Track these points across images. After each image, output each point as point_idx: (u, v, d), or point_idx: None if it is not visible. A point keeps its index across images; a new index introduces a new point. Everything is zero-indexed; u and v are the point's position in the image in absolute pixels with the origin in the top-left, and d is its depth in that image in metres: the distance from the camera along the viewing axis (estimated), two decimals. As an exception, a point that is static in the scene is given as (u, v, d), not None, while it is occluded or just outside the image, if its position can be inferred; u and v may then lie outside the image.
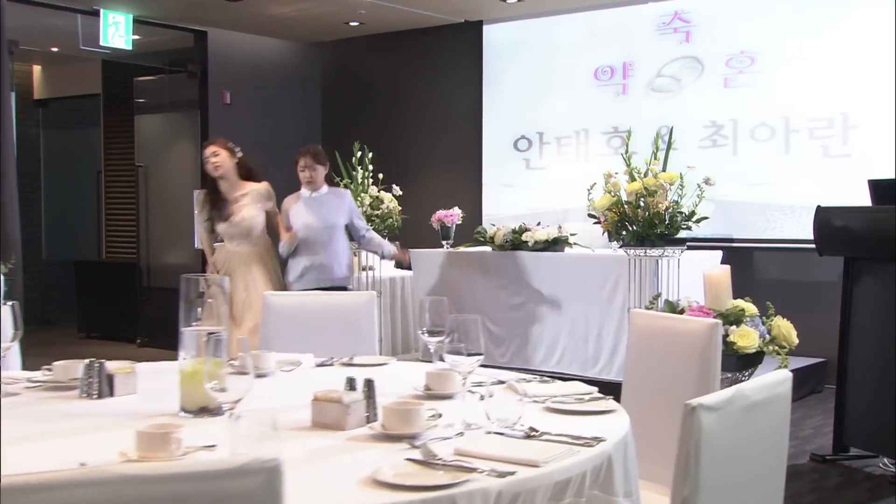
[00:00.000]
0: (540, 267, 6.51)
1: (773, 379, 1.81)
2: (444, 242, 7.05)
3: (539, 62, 8.58)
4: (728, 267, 3.33)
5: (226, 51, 9.02)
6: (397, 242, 6.35)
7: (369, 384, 2.22)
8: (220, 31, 8.97)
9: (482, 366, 2.34)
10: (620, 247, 5.71)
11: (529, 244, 6.52)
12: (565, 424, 2.19)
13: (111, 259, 10.08)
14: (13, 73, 7.86)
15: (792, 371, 6.36)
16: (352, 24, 8.97)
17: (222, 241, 5.73)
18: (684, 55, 7.89)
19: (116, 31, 8.05)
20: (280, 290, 5.49)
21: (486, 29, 8.85)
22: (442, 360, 2.69)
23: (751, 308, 3.25)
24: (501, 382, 2.71)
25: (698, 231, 7.13)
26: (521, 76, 8.68)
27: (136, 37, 8.80)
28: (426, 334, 2.70)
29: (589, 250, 6.43)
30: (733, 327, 3.18)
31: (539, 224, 6.68)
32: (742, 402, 1.66)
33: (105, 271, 9.85)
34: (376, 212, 6.76)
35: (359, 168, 6.82)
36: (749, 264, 7.51)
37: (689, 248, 7.00)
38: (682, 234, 5.62)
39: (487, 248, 6.76)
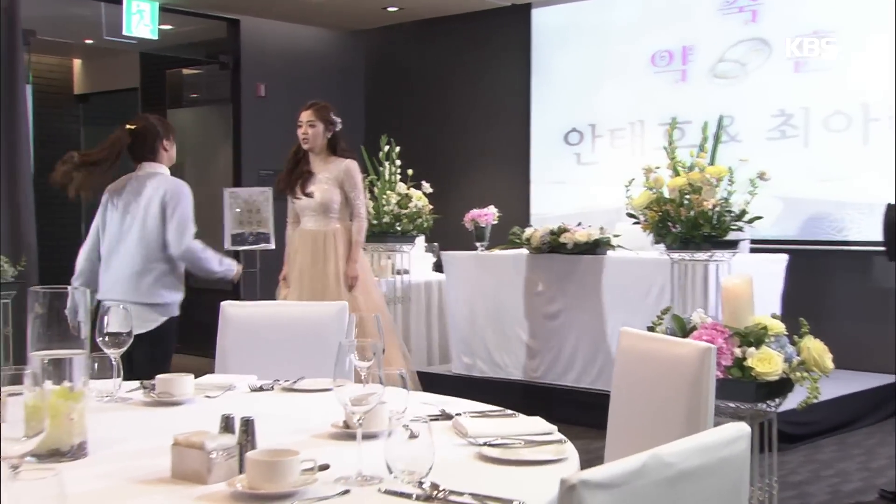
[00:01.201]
0: (579, 272, 6.07)
1: (717, 437, 1.38)
2: (477, 244, 6.66)
3: (591, 48, 8.12)
4: (750, 276, 2.87)
5: (260, 40, 8.77)
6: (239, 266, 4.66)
7: (247, 424, 1.85)
8: (253, 19, 8.73)
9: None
10: (667, 249, 5.24)
11: (568, 246, 6.08)
12: (490, 478, 1.81)
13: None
14: (31, 65, 7.73)
15: (868, 392, 5.80)
16: (390, 9, 8.64)
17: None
18: (750, 37, 7.34)
19: (141, 20, 7.86)
20: (361, 276, 5.28)
21: (534, 13, 8.42)
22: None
23: (776, 325, 2.78)
24: (448, 417, 2.32)
25: (762, 232, 6.62)
26: (572, 63, 8.23)
27: (168, 27, 8.64)
28: (355, 357, 2.32)
29: (633, 253, 5.97)
30: (752, 349, 2.72)
31: (580, 224, 6.23)
32: (660, 472, 1.24)
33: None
34: (404, 210, 6.41)
35: (386, 163, 6.48)
36: (820, 270, 6.93)
37: (753, 250, 6.50)
38: (735, 235, 5.14)
39: (523, 251, 6.34)
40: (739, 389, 2.73)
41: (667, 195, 5.04)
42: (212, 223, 8.70)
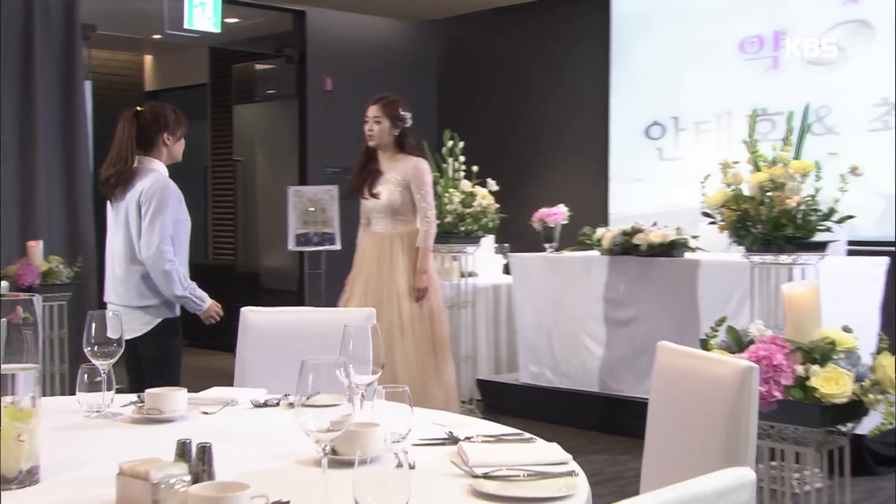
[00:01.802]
0: (653, 275, 5.80)
1: (710, 487, 1.15)
2: (546, 245, 6.43)
3: (674, 35, 7.81)
4: (816, 283, 2.61)
5: (326, 32, 8.69)
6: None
7: (203, 451, 1.69)
8: (319, 10, 8.66)
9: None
10: (747, 251, 4.94)
11: (642, 248, 5.82)
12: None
13: (216, 261, 9.98)
14: (91, 61, 7.78)
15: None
16: (462, -3, 8.48)
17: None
18: (850, 18, 6.94)
19: (203, 13, 7.85)
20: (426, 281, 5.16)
21: (614, -1, 8.17)
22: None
23: (847, 340, 2.51)
24: (455, 441, 2.13)
25: (862, 233, 6.24)
26: (654, 52, 7.93)
27: (234, 20, 8.64)
28: (351, 372, 2.15)
29: (713, 256, 5.67)
30: (816, 367, 2.46)
31: (654, 224, 5.96)
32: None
33: (207, 275, 9.73)
34: (468, 210, 6.22)
35: (449, 160, 6.30)
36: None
37: (850, 253, 6.12)
38: (825, 236, 4.81)
39: (594, 253, 6.09)
40: (802, 413, 2.47)
41: (746, 192, 4.75)
42: (276, 223, 8.68)
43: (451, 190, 6.20)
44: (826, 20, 7.05)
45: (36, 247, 6.53)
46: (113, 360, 2.42)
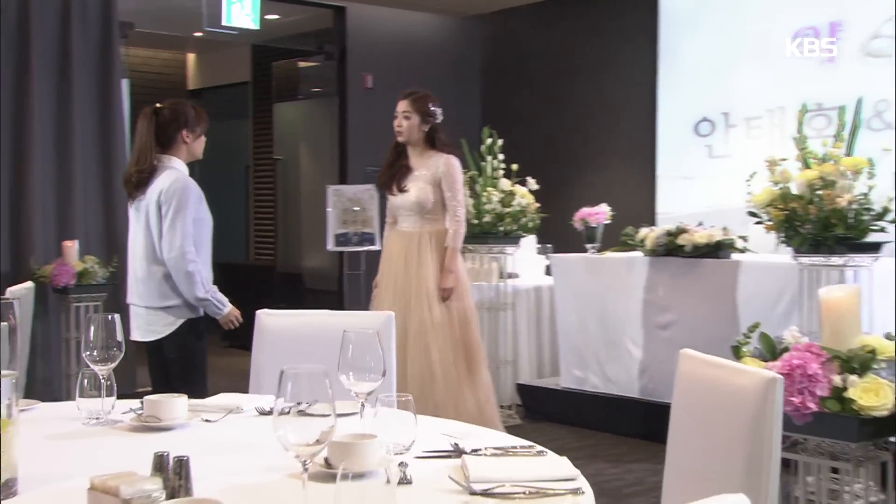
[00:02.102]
0: (698, 277, 5.65)
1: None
2: (588, 246, 6.31)
3: (725, 27, 7.62)
4: (857, 286, 2.48)
5: (367, 28, 8.64)
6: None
7: (180, 465, 1.62)
8: (360, 6, 8.61)
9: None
10: (795, 252, 4.78)
11: (686, 249, 5.67)
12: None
13: (256, 262, 9.99)
14: (128, 59, 7.81)
15: None
16: (506, -8, 8.38)
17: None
18: (910, 9, 6.73)
19: (242, 10, 7.84)
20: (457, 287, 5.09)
21: (662, -9, 8.01)
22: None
23: (888, 348, 2.38)
24: (460, 453, 2.05)
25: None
26: (704, 45, 7.75)
27: (275, 16, 8.63)
28: (350, 380, 2.07)
29: (762, 257, 5.51)
30: (854, 377, 2.33)
31: (700, 224, 5.81)
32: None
33: (248, 275, 9.76)
34: (507, 209, 6.13)
35: (488, 158, 6.21)
36: None
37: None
38: (880, 237, 4.64)
39: (637, 254, 5.96)
40: (839, 426, 2.34)
41: (794, 191, 4.60)
42: (316, 223, 8.66)
43: (489, 189, 6.11)
44: (885, 10, 6.82)
45: (71, 247, 6.56)
46: (113, 365, 2.37)
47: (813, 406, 2.34)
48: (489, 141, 6.21)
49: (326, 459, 1.92)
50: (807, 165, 4.62)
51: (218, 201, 10.70)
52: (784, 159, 4.67)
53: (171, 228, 3.92)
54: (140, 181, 4.01)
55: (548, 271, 7.22)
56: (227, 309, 4.03)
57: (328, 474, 1.88)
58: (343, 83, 8.58)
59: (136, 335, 4.14)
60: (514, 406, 6.52)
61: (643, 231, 5.95)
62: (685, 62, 7.88)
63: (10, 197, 6.77)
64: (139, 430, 2.30)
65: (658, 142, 8.04)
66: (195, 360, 4.09)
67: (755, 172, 4.70)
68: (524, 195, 6.17)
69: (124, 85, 7.45)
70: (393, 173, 5.20)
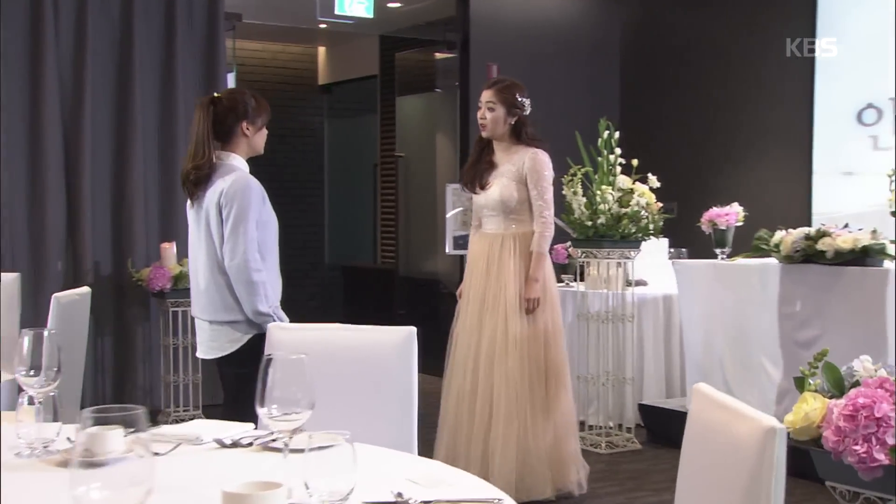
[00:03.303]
0: (842, 288, 5.11)
1: None
2: (717, 251, 5.85)
3: (893, 3, 6.98)
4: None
5: (492, 15, 8.36)
6: None
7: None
8: (485, -10, 8.36)
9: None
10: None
11: (828, 255, 5.14)
12: None
13: (382, 265, 9.89)
14: (234, 52, 7.80)
15: None
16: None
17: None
18: None
19: (355, -2, 7.74)
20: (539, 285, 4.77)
21: (821, -39, 7.41)
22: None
23: None
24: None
25: None
26: (869, 22, 7.12)
27: (396, 5, 8.50)
28: (273, 413, 1.82)
29: (917, 265, 4.95)
30: (935, 425, 1.91)
31: (846, 227, 5.27)
32: None
33: (372, 279, 9.67)
34: (624, 209, 5.75)
35: (605, 152, 5.84)
36: None
37: None
38: None
39: (772, 261, 5.47)
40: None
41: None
42: (433, 224, 8.46)
43: (603, 187, 5.74)
44: None
45: (169, 249, 6.57)
46: (51, 388, 2.20)
47: (883, 458, 1.94)
48: (606, 134, 5.84)
49: None
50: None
51: (345, 201, 10.80)
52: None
53: (233, 233, 3.72)
54: (199, 179, 3.84)
55: (681, 279, 6.79)
56: None
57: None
58: (466, 74, 8.34)
59: (200, 352, 3.98)
60: (636, 428, 6.14)
61: (779, 234, 5.45)
62: (848, 41, 7.25)
63: (113, 197, 6.85)
64: (66, 464, 2.11)
65: (815, 133, 7.44)
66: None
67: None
68: (644, 193, 5.78)
69: (230, 79, 7.45)
70: (477, 170, 4.94)
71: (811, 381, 2.20)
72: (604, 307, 6.02)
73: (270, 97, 10.61)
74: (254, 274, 3.71)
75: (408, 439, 2.75)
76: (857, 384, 2.09)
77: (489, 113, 4.84)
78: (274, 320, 3.78)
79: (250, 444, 2.27)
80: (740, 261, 5.68)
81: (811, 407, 2.07)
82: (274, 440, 2.25)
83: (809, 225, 6.59)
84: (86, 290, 4.38)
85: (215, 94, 3.94)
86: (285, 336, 2.91)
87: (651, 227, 5.80)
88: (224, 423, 2.48)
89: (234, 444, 2.26)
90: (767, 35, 7.77)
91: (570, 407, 4.95)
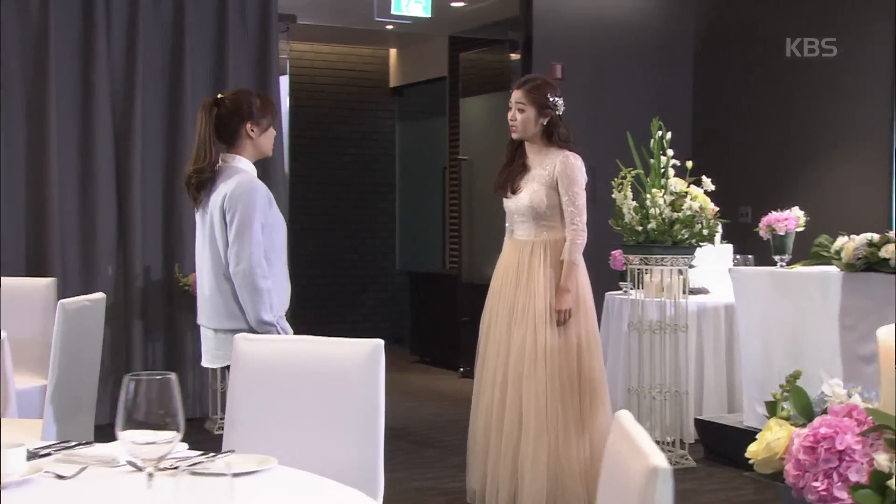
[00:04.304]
0: (907, 299, 4.78)
1: None
2: (776, 258, 5.55)
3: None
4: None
5: (556, 11, 8.14)
6: None
7: None
8: (549, -13, 8.15)
9: None
10: None
11: (892, 263, 4.82)
12: None
13: (449, 271, 9.74)
14: (289, 53, 7.73)
15: None
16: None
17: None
18: None
19: (412, -3, 7.62)
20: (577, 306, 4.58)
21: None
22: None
23: (972, 419, 1.70)
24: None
25: None
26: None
27: (460, 4, 8.37)
28: (137, 439, 1.67)
29: None
30: (905, 460, 1.68)
31: (916, 232, 4.93)
32: None
33: (436, 285, 9.54)
34: (676, 214, 5.49)
35: (659, 153, 5.60)
36: None
37: None
38: None
39: (833, 269, 5.16)
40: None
41: None
42: (496, 229, 8.26)
43: (653, 190, 5.50)
44: None
45: (217, 253, 6.54)
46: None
47: (844, 496, 1.71)
48: (658, 134, 5.60)
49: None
50: None
51: (416, 206, 10.67)
52: None
53: (237, 238, 3.64)
54: (200, 182, 3.78)
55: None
56: None
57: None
58: (527, 74, 8.15)
59: (205, 360, 3.92)
60: (694, 445, 5.88)
61: (840, 240, 5.13)
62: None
63: (163, 202, 6.86)
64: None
65: None
66: None
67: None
68: (697, 197, 5.51)
69: (284, 82, 7.40)
70: (509, 173, 4.77)
71: (784, 406, 1.98)
72: (659, 316, 5.77)
73: (340, 100, 10.63)
74: (259, 280, 3.63)
75: (372, 462, 2.61)
76: (824, 412, 1.87)
77: (519, 114, 4.67)
78: (277, 331, 3.68)
79: (174, 468, 2.13)
80: (799, 269, 5.37)
81: (774, 436, 1.85)
82: (198, 463, 2.12)
83: (892, 228, 6.25)
84: (99, 296, 4.33)
85: (219, 96, 3.87)
86: (250, 348, 2.78)
87: (706, 232, 5.53)
88: (116, 445, 2.36)
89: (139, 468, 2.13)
90: (852, 26, 7.40)
91: (608, 422, 4.72)
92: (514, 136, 4.73)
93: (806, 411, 1.90)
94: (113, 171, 6.71)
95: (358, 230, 10.79)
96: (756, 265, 6.15)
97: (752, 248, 6.58)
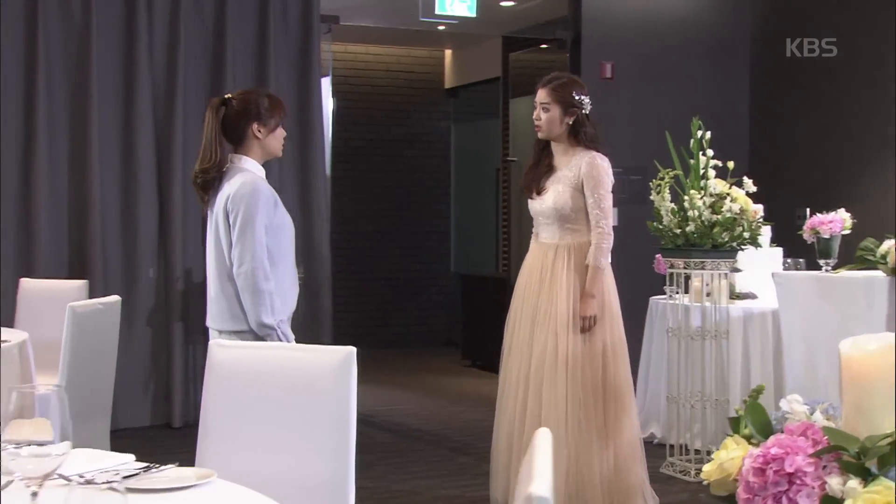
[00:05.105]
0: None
1: None
2: (821, 262, 5.32)
3: None
4: (891, 344, 1.66)
5: (605, 9, 7.96)
6: None
7: None
8: (599, -16, 7.98)
9: None
10: None
11: (939, 268, 4.59)
12: None
13: (500, 273, 9.62)
14: (331, 54, 7.69)
15: None
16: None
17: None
18: None
19: (456, -5, 7.52)
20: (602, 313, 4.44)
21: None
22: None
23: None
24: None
25: None
26: None
27: (510, 3, 8.26)
28: (22, 455, 1.60)
29: None
30: (853, 483, 1.53)
31: (963, 235, 4.69)
32: None
33: (486, 287, 9.41)
34: (716, 216, 5.31)
35: (699, 154, 5.42)
36: None
37: None
38: None
39: (879, 274, 4.93)
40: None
41: None
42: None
43: (692, 192, 5.32)
44: None
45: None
46: None
47: (794, 522, 1.56)
48: (698, 134, 5.42)
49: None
50: None
51: (471, 207, 10.57)
52: None
53: (240, 239, 3.60)
54: (206, 182, 3.74)
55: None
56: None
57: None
58: (577, 74, 7.98)
59: None
60: (735, 457, 5.66)
61: (887, 244, 4.91)
62: None
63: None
64: None
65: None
66: None
67: None
68: (738, 198, 5.32)
69: (326, 83, 7.35)
70: (535, 173, 4.64)
71: (743, 419, 1.84)
72: (701, 322, 5.59)
73: (394, 102, 10.58)
74: (261, 282, 3.57)
75: (342, 473, 2.51)
76: (779, 430, 1.72)
77: (544, 113, 4.54)
78: (278, 335, 3.62)
79: (107, 483, 2.05)
80: (844, 273, 5.14)
81: (729, 456, 1.71)
82: (135, 475, 2.05)
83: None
84: (114, 299, 4.32)
85: (227, 95, 3.82)
86: (223, 355, 2.70)
87: (747, 235, 5.34)
88: (109, 454, 2.30)
89: (89, 482, 2.05)
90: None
91: (635, 432, 4.57)
92: (540, 135, 4.61)
93: (764, 430, 1.76)
94: (154, 174, 6.74)
95: (414, 233, 10.72)
96: (808, 269, 5.93)
97: (806, 251, 6.35)
